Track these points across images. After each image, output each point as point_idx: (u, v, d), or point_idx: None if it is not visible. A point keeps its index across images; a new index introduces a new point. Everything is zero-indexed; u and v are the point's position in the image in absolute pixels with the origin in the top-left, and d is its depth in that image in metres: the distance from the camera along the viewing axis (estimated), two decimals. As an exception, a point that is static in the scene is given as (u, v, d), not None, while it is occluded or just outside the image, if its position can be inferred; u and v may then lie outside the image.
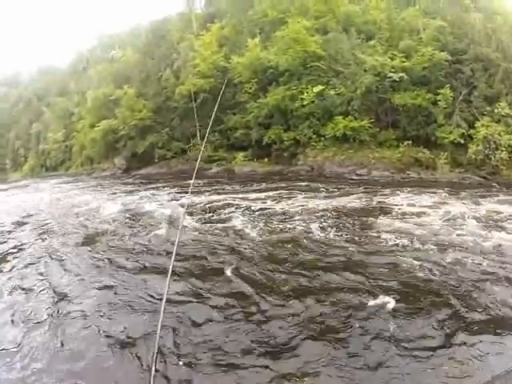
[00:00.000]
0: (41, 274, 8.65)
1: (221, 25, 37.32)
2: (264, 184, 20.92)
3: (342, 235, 9.65)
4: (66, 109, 62.34)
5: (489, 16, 27.15)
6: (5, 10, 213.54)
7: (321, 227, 10.39)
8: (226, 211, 13.56)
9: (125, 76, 42.70)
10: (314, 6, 32.56)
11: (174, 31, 41.82)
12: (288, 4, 34.82)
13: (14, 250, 10.96)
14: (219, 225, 11.58)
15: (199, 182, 23.81)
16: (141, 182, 28.03)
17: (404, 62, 25.08)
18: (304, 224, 10.87)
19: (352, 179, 21.64)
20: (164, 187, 23.19)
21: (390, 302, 5.95)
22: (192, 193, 18.14)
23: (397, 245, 8.67)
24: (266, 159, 29.08)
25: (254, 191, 18.71)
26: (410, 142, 23.61)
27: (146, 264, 8.68)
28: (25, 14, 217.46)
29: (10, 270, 9.20)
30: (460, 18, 27.05)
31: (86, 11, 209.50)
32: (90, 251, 10.12)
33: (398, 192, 15.44)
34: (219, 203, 15.80)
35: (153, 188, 23.25)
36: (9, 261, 10.02)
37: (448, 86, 23.54)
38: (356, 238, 9.40)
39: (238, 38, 34.84)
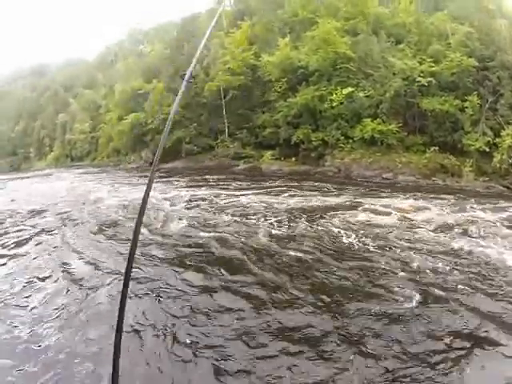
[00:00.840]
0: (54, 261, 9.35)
1: (251, 22, 38.03)
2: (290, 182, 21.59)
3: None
4: (93, 101, 63.78)
5: (514, 22, 27.54)
6: (34, 2, 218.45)
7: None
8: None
9: (154, 70, 43.80)
10: (343, 7, 32.97)
11: (204, 28, 42.70)
12: (318, 4, 35.42)
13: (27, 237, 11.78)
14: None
15: (225, 176, 25.05)
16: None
17: (432, 66, 25.27)
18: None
19: (380, 183, 21.96)
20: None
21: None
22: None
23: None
24: (293, 158, 29.47)
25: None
26: (437, 147, 23.73)
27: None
28: (53, 6, 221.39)
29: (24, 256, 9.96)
30: (487, 24, 27.13)
31: (114, 5, 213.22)
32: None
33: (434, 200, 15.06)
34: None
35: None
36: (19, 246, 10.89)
37: (475, 92, 23.67)
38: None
39: (268, 37, 35.43)
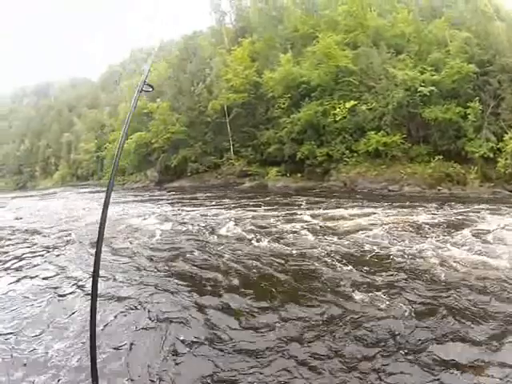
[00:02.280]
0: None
1: (252, 39, 38.64)
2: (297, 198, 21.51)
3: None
4: (98, 120, 64.61)
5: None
6: (35, 23, 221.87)
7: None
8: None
9: (158, 90, 44.49)
10: (343, 21, 33.48)
11: (206, 46, 43.54)
12: (317, 19, 36.03)
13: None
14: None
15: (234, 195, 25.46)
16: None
17: (433, 75, 25.69)
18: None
19: (386, 195, 21.88)
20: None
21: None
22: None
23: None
24: (298, 174, 29.87)
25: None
26: (441, 156, 24.03)
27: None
28: (55, 27, 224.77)
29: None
30: (484, 28, 27.49)
31: (117, 26, 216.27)
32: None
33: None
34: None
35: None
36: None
37: (477, 98, 23.98)
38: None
39: (270, 53, 35.99)
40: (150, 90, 3.00)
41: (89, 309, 2.47)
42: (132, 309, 6.99)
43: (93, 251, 11.34)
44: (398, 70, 27.07)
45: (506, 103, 23.74)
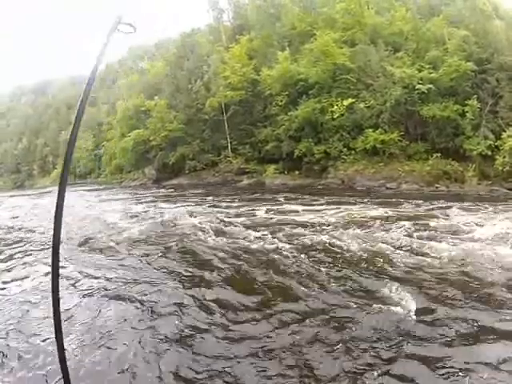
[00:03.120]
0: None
1: (249, 37, 38.62)
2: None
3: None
4: (95, 118, 64.56)
5: (510, 24, 27.91)
6: (33, 21, 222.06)
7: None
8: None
9: (155, 87, 44.49)
10: (340, 18, 33.50)
11: (204, 43, 43.50)
12: (315, 16, 35.94)
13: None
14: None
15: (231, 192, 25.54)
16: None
17: (431, 73, 25.72)
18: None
19: (383, 193, 22.04)
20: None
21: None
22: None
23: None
24: (296, 172, 29.92)
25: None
26: (439, 154, 24.11)
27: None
28: (52, 25, 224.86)
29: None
30: (482, 26, 27.46)
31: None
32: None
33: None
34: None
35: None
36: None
37: (475, 96, 24.02)
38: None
39: (268, 51, 35.97)
40: (132, 31, 2.13)
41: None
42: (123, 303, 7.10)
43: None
44: (396, 68, 27.09)
45: (504, 101, 23.79)
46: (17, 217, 20.99)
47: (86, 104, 2.28)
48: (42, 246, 12.22)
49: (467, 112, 23.94)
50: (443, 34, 28.54)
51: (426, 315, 5.80)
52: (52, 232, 2.07)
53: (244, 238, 10.87)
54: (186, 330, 5.81)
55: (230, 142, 35.64)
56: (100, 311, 6.58)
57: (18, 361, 5.13)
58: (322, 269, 8.07)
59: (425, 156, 24.95)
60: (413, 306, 5.98)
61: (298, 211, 15.38)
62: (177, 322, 6.05)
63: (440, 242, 9.49)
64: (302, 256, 8.92)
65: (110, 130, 55.77)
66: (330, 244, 9.80)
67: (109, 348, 5.33)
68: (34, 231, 15.60)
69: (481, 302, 6.21)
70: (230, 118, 35.59)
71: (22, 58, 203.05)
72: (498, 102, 24.11)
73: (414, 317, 5.72)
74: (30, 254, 11.43)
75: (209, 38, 45.63)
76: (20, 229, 16.59)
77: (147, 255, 9.92)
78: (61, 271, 2.51)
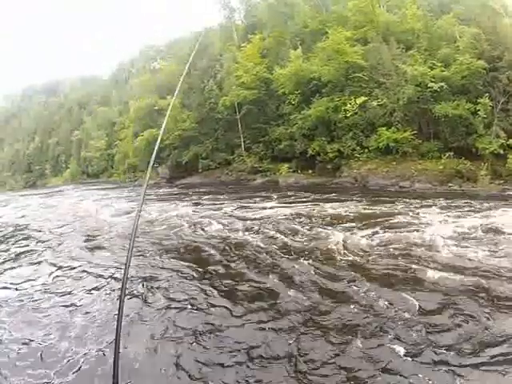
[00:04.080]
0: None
1: (262, 36, 38.88)
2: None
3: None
4: (108, 118, 65.30)
5: (520, 21, 27.80)
6: (45, 21, 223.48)
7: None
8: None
9: (168, 87, 44.94)
10: (352, 16, 33.69)
11: (216, 43, 43.99)
12: (327, 14, 36.33)
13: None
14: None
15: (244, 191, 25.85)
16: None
17: (443, 71, 25.79)
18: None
19: (397, 192, 22.34)
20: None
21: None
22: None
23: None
24: (310, 171, 30.21)
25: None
26: (452, 153, 24.16)
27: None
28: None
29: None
30: (493, 24, 27.36)
31: (127, 23, 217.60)
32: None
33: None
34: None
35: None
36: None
37: (486, 94, 24.06)
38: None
39: (280, 49, 36.38)
40: None
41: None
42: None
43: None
44: (408, 66, 27.09)
45: (516, 100, 23.80)
46: (22, 216, 21.83)
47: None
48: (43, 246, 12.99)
49: (479, 110, 23.90)
50: (454, 32, 28.46)
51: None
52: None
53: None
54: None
55: (244, 141, 36.09)
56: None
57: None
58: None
59: (437, 155, 24.99)
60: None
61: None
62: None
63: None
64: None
65: (123, 130, 56.42)
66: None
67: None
68: (35, 231, 16.40)
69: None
70: (243, 116, 35.99)
71: (26, 59, 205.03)
72: (509, 100, 24.19)
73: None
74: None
75: (221, 37, 46.10)
76: (21, 228, 17.39)
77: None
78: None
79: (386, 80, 28.90)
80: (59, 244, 13.28)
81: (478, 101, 24.14)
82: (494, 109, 23.98)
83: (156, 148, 3.05)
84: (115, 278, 8.98)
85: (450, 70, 25.74)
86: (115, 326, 2.34)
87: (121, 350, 2.35)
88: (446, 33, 29.08)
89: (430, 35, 29.86)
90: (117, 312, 2.40)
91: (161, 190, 33.72)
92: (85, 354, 5.80)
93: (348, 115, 28.74)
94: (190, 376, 5.16)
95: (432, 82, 25.43)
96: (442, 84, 25.09)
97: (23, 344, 6.24)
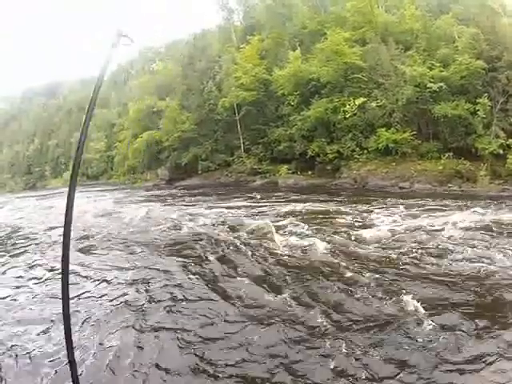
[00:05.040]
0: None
1: (260, 37, 39.01)
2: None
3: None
4: (107, 120, 65.44)
5: (518, 21, 27.77)
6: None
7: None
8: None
9: (167, 88, 45.12)
10: (351, 17, 33.75)
11: (215, 44, 44.15)
12: (325, 15, 36.45)
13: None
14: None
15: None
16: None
17: (442, 71, 25.84)
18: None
19: (396, 193, 22.27)
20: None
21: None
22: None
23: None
24: (309, 172, 30.36)
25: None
26: (451, 153, 24.20)
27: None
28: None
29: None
30: (491, 23, 27.25)
31: (127, 23, 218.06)
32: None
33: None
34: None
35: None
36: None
37: (486, 94, 24.05)
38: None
39: (279, 50, 36.51)
40: (129, 43, 2.31)
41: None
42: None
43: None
44: (407, 67, 27.17)
45: (515, 99, 23.78)
46: (20, 218, 21.96)
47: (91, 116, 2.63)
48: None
49: (478, 110, 23.92)
50: (453, 32, 28.44)
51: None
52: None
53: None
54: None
55: (243, 142, 36.20)
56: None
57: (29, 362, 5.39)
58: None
59: (437, 155, 25.03)
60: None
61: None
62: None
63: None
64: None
65: (122, 131, 56.54)
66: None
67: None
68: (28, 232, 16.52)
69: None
70: (242, 118, 36.10)
71: (28, 59, 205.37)
72: (508, 99, 24.15)
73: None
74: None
75: (219, 38, 46.27)
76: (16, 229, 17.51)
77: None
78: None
79: (384, 81, 28.99)
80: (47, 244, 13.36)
81: (477, 101, 24.18)
82: (493, 109, 23.99)
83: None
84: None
85: (449, 71, 25.77)
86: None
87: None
88: (445, 33, 29.09)
89: (429, 35, 29.87)
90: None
91: (158, 192, 34.17)
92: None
93: (347, 116, 28.84)
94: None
95: (431, 82, 25.50)
96: (441, 84, 25.15)
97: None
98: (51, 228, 16.39)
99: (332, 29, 32.11)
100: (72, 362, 2.51)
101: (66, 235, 2.38)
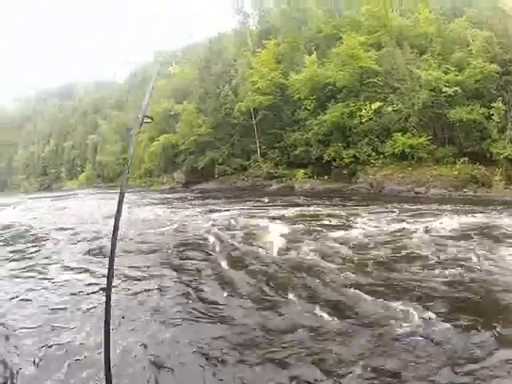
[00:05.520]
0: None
1: (276, 41, 39.46)
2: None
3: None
4: (123, 122, 66.22)
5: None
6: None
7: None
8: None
9: (183, 92, 45.71)
10: (366, 21, 34.07)
11: (230, 48, 44.75)
12: (340, 19, 36.69)
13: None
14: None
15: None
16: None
17: (457, 75, 26.01)
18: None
19: (412, 197, 22.68)
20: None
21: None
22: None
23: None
24: (325, 176, 30.68)
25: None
26: (467, 158, 24.35)
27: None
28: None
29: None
30: (504, 26, 27.19)
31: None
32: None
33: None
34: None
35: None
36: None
37: (500, 98, 24.22)
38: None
39: (294, 55, 36.88)
40: (150, 121, 2.82)
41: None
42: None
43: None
44: (422, 71, 27.32)
45: (530, 103, 23.86)
46: (33, 218, 22.65)
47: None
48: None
49: (493, 115, 24.11)
50: (466, 35, 28.62)
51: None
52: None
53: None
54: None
55: (260, 147, 36.64)
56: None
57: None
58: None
59: (452, 160, 25.24)
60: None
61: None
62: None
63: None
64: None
65: (138, 134, 57.18)
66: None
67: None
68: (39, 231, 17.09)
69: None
70: (259, 122, 36.52)
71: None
72: (522, 103, 24.24)
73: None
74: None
75: (235, 42, 46.95)
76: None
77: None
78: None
79: (400, 85, 29.22)
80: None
81: (492, 105, 24.36)
82: (508, 113, 24.21)
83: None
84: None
85: (464, 74, 25.97)
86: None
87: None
88: (459, 36, 29.27)
89: (443, 39, 30.07)
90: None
91: (176, 195, 34.74)
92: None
93: (363, 121, 29.16)
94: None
95: (446, 86, 25.62)
96: (457, 88, 25.30)
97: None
98: (63, 228, 17.19)
99: (347, 33, 32.32)
100: (108, 375, 2.55)
101: (112, 252, 2.51)
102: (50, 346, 5.86)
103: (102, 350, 2.24)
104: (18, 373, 5.21)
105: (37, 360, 5.46)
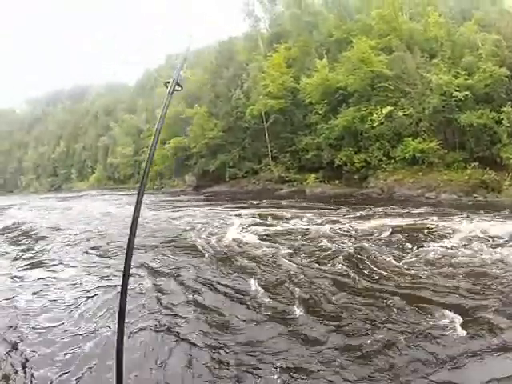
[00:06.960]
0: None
1: (287, 45, 39.95)
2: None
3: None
4: (135, 125, 67.08)
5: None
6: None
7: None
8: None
9: (195, 95, 46.32)
10: (376, 25, 34.44)
11: (242, 51, 45.44)
12: (351, 23, 37.25)
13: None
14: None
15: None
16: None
17: (467, 79, 26.27)
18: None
19: (423, 202, 22.31)
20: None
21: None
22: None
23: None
24: (337, 181, 30.98)
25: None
26: (477, 163, 24.60)
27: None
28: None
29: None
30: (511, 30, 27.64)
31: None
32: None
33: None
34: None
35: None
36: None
37: (509, 103, 24.49)
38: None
39: (305, 59, 37.44)
40: (180, 89, 2.56)
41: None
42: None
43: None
44: (433, 75, 27.62)
45: (539, 107, 24.04)
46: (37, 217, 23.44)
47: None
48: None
49: (503, 119, 24.32)
50: (476, 39, 28.93)
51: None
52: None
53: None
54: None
55: (271, 151, 37.11)
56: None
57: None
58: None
59: (462, 165, 25.48)
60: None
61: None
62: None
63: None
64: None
65: (150, 137, 57.78)
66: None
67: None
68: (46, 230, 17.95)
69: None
70: (270, 126, 37.00)
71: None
72: (532, 107, 24.39)
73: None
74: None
75: (246, 46, 47.61)
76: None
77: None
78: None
79: (411, 89, 29.57)
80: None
81: (502, 109, 24.63)
82: (517, 117, 24.30)
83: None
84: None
85: (474, 79, 26.29)
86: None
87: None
88: (469, 40, 29.57)
89: (453, 43, 30.40)
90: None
91: (186, 197, 35.40)
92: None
93: (374, 125, 29.49)
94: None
95: (457, 90, 25.94)
96: (467, 93, 25.61)
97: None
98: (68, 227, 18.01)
99: (358, 37, 32.76)
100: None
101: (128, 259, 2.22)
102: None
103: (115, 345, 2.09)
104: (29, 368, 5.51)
105: (49, 356, 5.82)
